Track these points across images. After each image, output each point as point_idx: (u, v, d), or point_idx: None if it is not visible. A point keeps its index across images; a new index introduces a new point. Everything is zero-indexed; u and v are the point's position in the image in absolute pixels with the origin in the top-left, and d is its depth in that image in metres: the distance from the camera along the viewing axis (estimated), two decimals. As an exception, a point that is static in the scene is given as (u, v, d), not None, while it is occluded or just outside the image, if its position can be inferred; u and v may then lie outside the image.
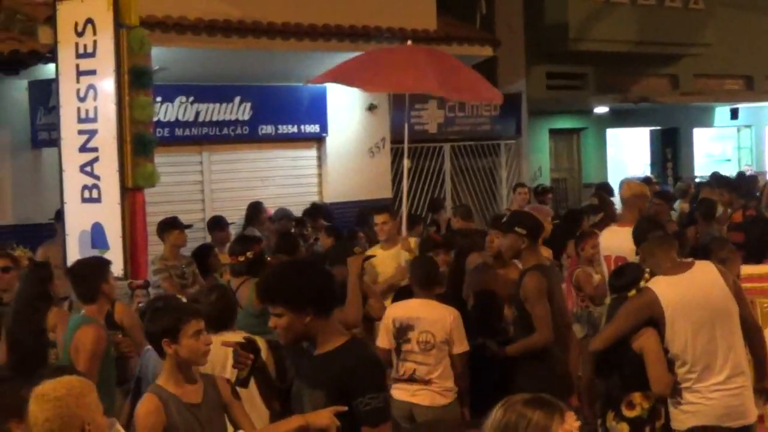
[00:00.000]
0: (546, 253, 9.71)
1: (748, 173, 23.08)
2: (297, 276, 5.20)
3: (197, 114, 14.95)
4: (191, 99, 14.85)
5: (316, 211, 14.69)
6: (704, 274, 6.70)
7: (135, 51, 10.29)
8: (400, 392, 8.01)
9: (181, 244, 11.38)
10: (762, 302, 8.07)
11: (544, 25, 21.06)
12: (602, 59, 21.93)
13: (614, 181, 20.33)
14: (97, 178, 10.49)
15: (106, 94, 10.34)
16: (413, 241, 10.66)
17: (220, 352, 6.27)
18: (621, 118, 24.29)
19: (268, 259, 9.40)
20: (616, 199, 17.31)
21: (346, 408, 4.88)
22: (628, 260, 8.00)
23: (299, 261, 7.99)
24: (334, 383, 5.01)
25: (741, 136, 28.48)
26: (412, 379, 7.98)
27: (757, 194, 18.19)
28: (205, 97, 15.01)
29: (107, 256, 9.44)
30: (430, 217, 16.19)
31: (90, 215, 10.57)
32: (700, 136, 27.31)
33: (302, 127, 16.19)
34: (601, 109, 23.47)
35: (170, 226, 11.36)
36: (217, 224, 12.96)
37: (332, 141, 16.70)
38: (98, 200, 10.52)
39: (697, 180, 22.06)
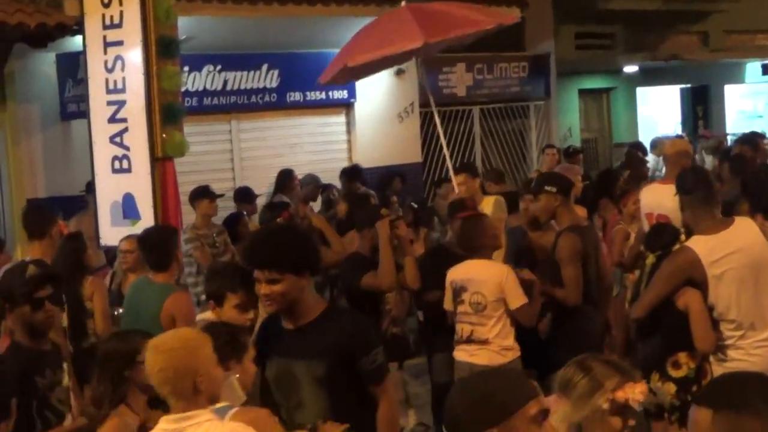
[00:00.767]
0: (581, 212, 9.65)
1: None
2: (296, 240, 5.20)
3: (225, 82, 14.93)
4: (219, 68, 14.83)
5: (355, 172, 14.64)
6: (744, 230, 6.60)
7: (161, 21, 10.26)
8: (460, 353, 8.00)
9: (212, 213, 11.41)
10: None
11: (571, -16, 20.91)
12: (631, 18, 21.75)
13: (645, 140, 20.24)
14: (127, 148, 10.48)
15: (134, 64, 10.32)
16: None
17: None
18: (651, 76, 24.12)
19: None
20: (649, 158, 17.34)
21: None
22: (671, 218, 7.90)
23: (288, 225, 7.91)
24: (335, 350, 5.03)
25: (772, 91, 28.27)
26: (470, 340, 7.95)
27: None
28: (232, 66, 14.98)
29: (139, 226, 9.50)
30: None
31: (121, 186, 10.57)
32: (731, 92, 27.13)
33: (330, 93, 16.15)
34: (630, 68, 23.32)
35: (201, 195, 11.40)
36: (244, 196, 12.97)
37: (361, 106, 16.65)
38: (128, 171, 10.52)
39: (729, 137, 21.91)
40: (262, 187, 14.44)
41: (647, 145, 18.50)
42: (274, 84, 15.47)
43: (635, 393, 4.10)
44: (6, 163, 13.43)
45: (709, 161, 17.21)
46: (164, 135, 10.24)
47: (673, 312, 6.55)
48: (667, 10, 22.16)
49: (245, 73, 15.15)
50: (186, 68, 13.32)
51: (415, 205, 12.56)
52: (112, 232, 10.41)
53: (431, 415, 9.22)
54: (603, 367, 4.17)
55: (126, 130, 10.48)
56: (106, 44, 10.58)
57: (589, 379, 4.12)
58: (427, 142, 17.59)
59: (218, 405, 4.50)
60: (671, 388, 6.73)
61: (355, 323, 5.22)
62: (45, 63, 13.27)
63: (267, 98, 15.45)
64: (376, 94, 16.74)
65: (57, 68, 13.25)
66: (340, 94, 16.26)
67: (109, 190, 10.69)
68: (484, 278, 7.90)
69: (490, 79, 19.16)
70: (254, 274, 5.15)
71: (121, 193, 10.57)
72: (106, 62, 10.59)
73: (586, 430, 4.09)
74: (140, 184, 10.41)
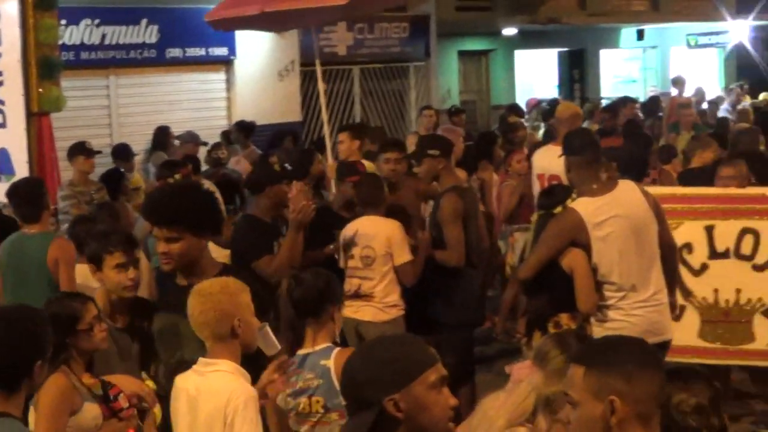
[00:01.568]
0: (461, 175, 9.76)
1: (652, 94, 23.34)
2: (198, 199, 5.15)
3: (103, 37, 14.64)
4: (97, 21, 14.53)
5: (251, 129, 14.55)
6: (627, 193, 6.70)
7: (38, -28, 10.07)
8: (346, 309, 7.91)
9: (88, 170, 11.19)
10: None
11: (451, -55, 20.98)
12: (511, -20, 21.95)
13: (522, 102, 20.49)
14: (2, 102, 10.30)
15: (10, 17, 10.12)
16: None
17: None
18: (529, 39, 24.38)
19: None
20: (525, 121, 17.54)
21: None
22: (562, 180, 7.99)
23: (191, 184, 7.68)
24: None
25: (647, 57, 28.79)
26: (357, 295, 7.91)
27: (659, 114, 18.44)
28: (111, 20, 14.69)
29: (13, 181, 9.32)
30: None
31: (-5, 141, 10.39)
32: (607, 57, 27.54)
33: (210, 50, 15.98)
34: (509, 31, 23.52)
35: (77, 151, 11.16)
36: (121, 153, 12.77)
37: (241, 64, 16.50)
38: (3, 125, 10.34)
39: (603, 101, 22.26)
40: (140, 144, 14.23)
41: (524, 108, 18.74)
42: (154, 39, 15.24)
43: None
44: None
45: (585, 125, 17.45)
46: (40, 89, 10.08)
47: (557, 272, 6.62)
48: (547, -27, 22.42)
49: (124, 27, 14.87)
50: (63, 21, 13.00)
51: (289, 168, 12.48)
52: (-15, 188, 10.22)
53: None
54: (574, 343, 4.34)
55: (1, 83, 10.28)
56: (-19, -4, 10.34)
57: (566, 357, 4.22)
58: (306, 101, 17.55)
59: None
60: None
61: (251, 286, 5.19)
62: None
63: (146, 54, 15.22)
64: (257, 51, 16.62)
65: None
66: (221, 50, 16.11)
67: (-17, 145, 10.48)
68: (374, 232, 7.89)
69: (370, 39, 19.15)
70: (153, 232, 5.11)
71: (-5, 147, 10.38)
72: (-20, 15, 10.35)
73: (555, 404, 4.17)
74: (15, 139, 10.25)
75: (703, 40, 29.02)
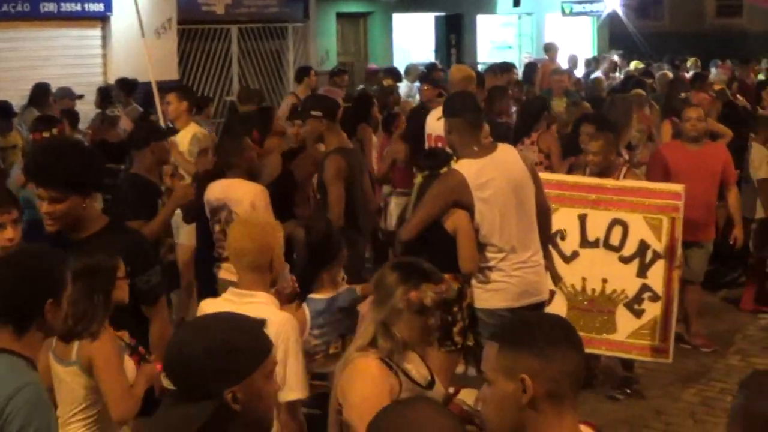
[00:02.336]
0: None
1: (527, 61, 23.62)
2: (81, 158, 5.08)
3: (-25, -10, 14.35)
4: (-33, -26, 14.24)
5: (134, 86, 14.37)
6: (507, 156, 6.79)
7: None
8: (222, 271, 7.94)
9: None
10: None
11: None
12: (389, -57, 21.99)
13: (400, 66, 20.58)
14: None
15: None
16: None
17: None
18: (407, 3, 24.44)
19: None
20: (402, 84, 17.68)
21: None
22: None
23: (72, 141, 7.25)
24: None
25: (522, 23, 29.07)
26: (228, 259, 7.94)
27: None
28: (-17, -28, 14.40)
29: None
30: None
31: None
32: (483, 22, 27.76)
33: (86, 5, 15.77)
34: (387, -6, 23.58)
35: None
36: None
37: (117, 20, 16.26)
38: None
39: (479, 66, 22.48)
40: (14, 99, 13.95)
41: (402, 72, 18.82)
42: (27, -7, 14.96)
43: (427, 295, 4.33)
44: None
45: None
46: None
47: (440, 233, 6.65)
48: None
49: (-4, -20, 14.58)
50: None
51: (171, 125, 12.40)
52: None
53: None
54: (407, 269, 4.48)
55: None
56: None
57: (392, 280, 4.41)
58: (184, 60, 17.40)
59: None
60: None
61: (134, 241, 5.19)
62: None
63: (20, 7, 14.94)
64: (133, 8, 16.37)
65: None
66: (96, 6, 15.90)
67: None
68: (238, 197, 7.88)
69: (249, -1, 19.08)
70: (36, 191, 5.03)
71: None
72: None
73: (392, 327, 4.35)
74: None
75: (577, 8, 29.47)
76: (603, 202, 8.43)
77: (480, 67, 21.83)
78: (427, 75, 14.44)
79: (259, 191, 7.95)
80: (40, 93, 13.73)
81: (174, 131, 9.14)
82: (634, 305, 8.42)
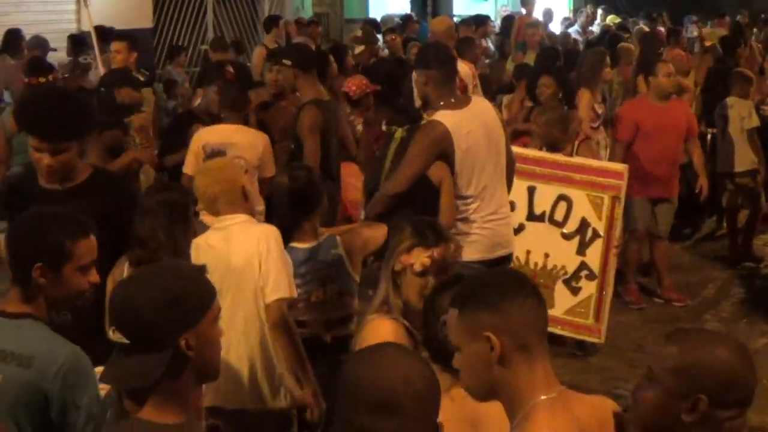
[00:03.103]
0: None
1: (504, 14, 23.54)
2: (80, 106, 5.10)
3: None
4: None
5: (105, 34, 14.23)
6: (482, 107, 6.75)
7: None
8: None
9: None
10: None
11: None
12: None
13: (375, 16, 20.53)
14: None
15: None
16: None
17: None
18: (383, -47, 24.34)
19: None
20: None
21: None
22: None
23: (66, 91, 7.31)
24: (100, 214, 4.77)
25: (499, -25, 28.96)
26: None
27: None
28: None
29: None
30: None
31: None
32: (459, -26, 27.63)
33: (59, -51, 15.59)
34: (364, -56, 23.43)
35: None
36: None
37: (92, -33, 16.10)
38: None
39: (455, 18, 22.40)
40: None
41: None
42: (-1, -63, 14.79)
43: (417, 259, 4.38)
44: None
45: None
46: None
47: (425, 185, 6.52)
48: None
49: None
50: None
51: (147, 72, 12.35)
52: None
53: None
54: (409, 230, 4.53)
55: None
56: None
57: (394, 242, 4.54)
58: (158, 6, 17.27)
59: None
60: None
61: (124, 189, 5.24)
62: None
63: (-8, -47, 14.76)
64: (108, -46, 16.28)
65: None
66: (70, -50, 15.71)
67: None
68: (245, 143, 7.84)
69: (225, -54, 18.95)
70: (34, 144, 4.99)
71: None
72: None
73: (401, 286, 4.47)
74: None
75: (554, -39, 29.34)
76: (550, 177, 8.48)
77: (455, 20, 21.81)
78: (402, 27, 14.38)
79: (266, 139, 8.01)
80: (12, 39, 13.59)
81: (148, 82, 9.09)
82: (571, 282, 8.48)
